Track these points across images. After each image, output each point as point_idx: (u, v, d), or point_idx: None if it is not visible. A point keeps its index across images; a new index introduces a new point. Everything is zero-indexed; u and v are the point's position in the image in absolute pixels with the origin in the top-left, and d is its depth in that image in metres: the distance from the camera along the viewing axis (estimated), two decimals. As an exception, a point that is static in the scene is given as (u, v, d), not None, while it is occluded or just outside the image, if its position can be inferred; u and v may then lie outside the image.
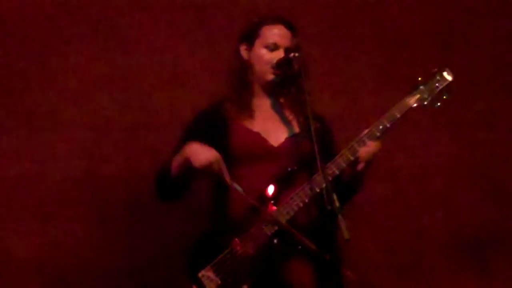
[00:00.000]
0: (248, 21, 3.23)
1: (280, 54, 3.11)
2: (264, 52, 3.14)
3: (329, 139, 3.17)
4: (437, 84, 3.08)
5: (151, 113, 4.15)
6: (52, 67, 4.10)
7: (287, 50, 3.10)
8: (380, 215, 4.30)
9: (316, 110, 3.05)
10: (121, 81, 4.13)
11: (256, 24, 3.18)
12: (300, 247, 2.96)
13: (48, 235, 4.02)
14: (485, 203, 4.39)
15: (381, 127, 3.01)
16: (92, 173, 4.09)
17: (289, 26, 3.16)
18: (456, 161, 4.39)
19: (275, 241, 2.98)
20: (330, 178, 2.90)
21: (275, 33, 3.13)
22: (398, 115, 3.03)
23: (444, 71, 3.10)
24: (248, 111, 3.15)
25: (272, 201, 2.99)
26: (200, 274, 2.98)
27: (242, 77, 3.19)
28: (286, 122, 3.15)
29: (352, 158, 2.98)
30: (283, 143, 3.10)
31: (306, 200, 2.97)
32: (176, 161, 3.04)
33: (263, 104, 3.18)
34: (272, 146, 3.09)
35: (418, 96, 3.08)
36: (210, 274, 2.98)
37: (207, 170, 2.95)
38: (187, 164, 2.98)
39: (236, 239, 2.98)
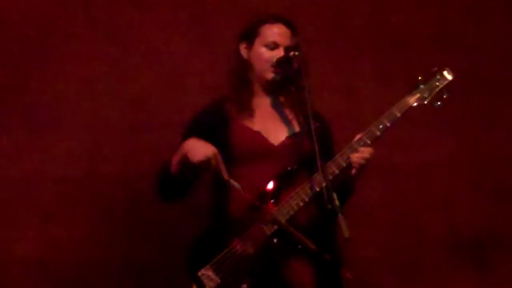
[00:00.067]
0: (248, 20, 3.23)
1: (279, 53, 3.11)
2: (263, 50, 3.14)
3: (328, 139, 3.17)
4: (437, 83, 3.09)
5: (151, 113, 4.15)
6: (52, 67, 4.10)
7: (287, 49, 3.10)
8: (379, 215, 4.30)
9: (316, 109, 3.05)
10: (121, 81, 4.13)
11: (256, 23, 3.18)
12: (300, 246, 2.96)
13: (48, 235, 4.02)
14: (485, 203, 4.39)
15: (381, 126, 3.02)
16: (92, 173, 4.08)
17: (289, 25, 3.16)
18: (456, 160, 4.39)
19: (275, 240, 2.98)
20: (330, 177, 2.90)
21: (275, 32, 3.14)
22: (398, 114, 3.03)
23: (444, 70, 3.10)
24: (248, 110, 3.15)
25: (272, 199, 2.99)
26: (199, 273, 2.98)
27: (242, 76, 3.19)
28: (286, 121, 3.15)
29: (347, 162, 2.99)
30: (283, 142, 3.10)
31: (306, 199, 2.97)
32: (175, 159, 3.04)
33: (263, 103, 3.19)
34: (272, 145, 3.09)
35: (418, 95, 3.08)
36: (210, 273, 2.97)
37: (204, 165, 2.95)
38: (185, 160, 2.98)
39: (236, 238, 2.98)
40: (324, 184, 2.84)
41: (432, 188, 4.38)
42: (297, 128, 3.12)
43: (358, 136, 3.03)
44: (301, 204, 2.97)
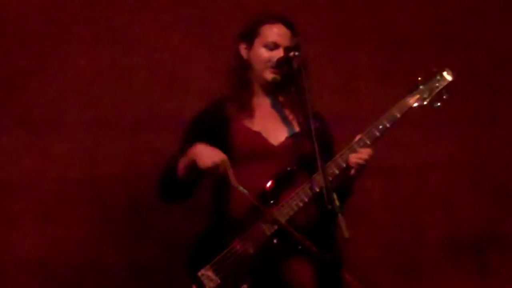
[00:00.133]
0: (248, 20, 3.23)
1: (279, 53, 3.11)
2: (263, 51, 3.13)
3: (328, 139, 3.17)
4: (437, 84, 3.08)
5: (151, 113, 4.15)
6: (52, 67, 4.10)
7: (287, 49, 3.09)
8: (379, 215, 4.30)
9: (316, 109, 3.05)
10: (121, 81, 4.13)
11: (256, 23, 3.18)
12: (300, 247, 2.96)
13: (48, 235, 4.02)
14: (485, 203, 4.39)
15: (381, 127, 3.02)
16: (92, 173, 4.08)
17: (289, 25, 3.16)
18: (456, 160, 4.39)
19: (275, 240, 2.98)
20: (330, 178, 2.90)
21: (275, 32, 3.13)
22: (398, 115, 3.03)
23: (444, 71, 3.10)
24: (248, 110, 3.15)
25: (271, 200, 2.99)
26: (199, 273, 2.98)
27: (242, 76, 3.19)
28: (286, 121, 3.15)
29: (346, 163, 2.99)
30: (283, 142, 3.10)
31: (306, 200, 2.97)
32: (182, 163, 3.04)
33: (263, 103, 3.18)
34: (272, 145, 3.09)
35: (418, 96, 3.08)
36: (210, 273, 2.97)
37: (213, 171, 2.95)
38: (193, 165, 2.98)
39: (236, 238, 2.98)
40: (324, 185, 2.84)
41: (432, 188, 4.38)
42: (297, 129, 3.12)
43: (358, 137, 3.03)
44: (301, 204, 2.97)
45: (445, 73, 3.09)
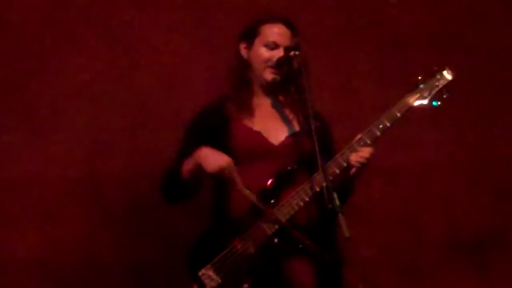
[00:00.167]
0: (248, 20, 3.23)
1: (279, 53, 3.11)
2: (263, 50, 3.13)
3: (328, 138, 3.17)
4: (437, 83, 3.08)
5: (151, 113, 4.15)
6: (52, 67, 4.10)
7: (287, 49, 3.09)
8: (379, 215, 4.30)
9: (316, 109, 3.04)
10: (121, 81, 4.13)
11: (256, 23, 3.18)
12: (300, 246, 2.96)
13: (48, 235, 4.01)
14: (485, 203, 4.40)
15: (381, 126, 3.02)
16: (92, 173, 4.08)
17: (289, 25, 3.16)
18: (456, 160, 4.40)
19: (276, 240, 2.98)
20: (330, 177, 2.90)
21: (275, 32, 3.13)
22: (398, 114, 3.03)
23: (444, 70, 3.10)
24: (248, 110, 3.15)
25: (272, 199, 2.99)
26: (200, 273, 2.98)
27: (242, 76, 3.19)
28: (286, 121, 3.15)
29: (347, 162, 2.99)
30: (283, 141, 3.10)
31: (307, 199, 2.97)
32: (187, 166, 3.03)
33: (263, 103, 3.18)
34: (272, 144, 3.09)
35: (418, 95, 3.08)
36: (211, 273, 2.97)
37: (219, 175, 2.95)
38: (199, 169, 2.98)
39: (237, 238, 2.98)
40: (324, 184, 2.84)
41: (432, 188, 4.38)
42: (297, 128, 3.12)
43: (358, 136, 3.03)
44: (302, 203, 2.97)
45: (445, 72, 3.09)
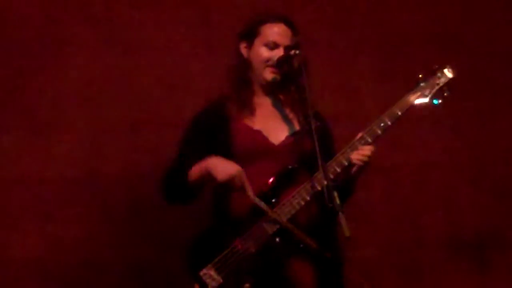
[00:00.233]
0: (248, 19, 3.23)
1: (279, 52, 3.11)
2: (263, 50, 3.13)
3: (328, 138, 3.17)
4: (438, 81, 3.09)
5: (151, 113, 4.14)
6: (52, 67, 4.09)
7: (287, 48, 3.09)
8: (379, 214, 4.30)
9: (316, 108, 3.04)
10: (121, 81, 4.13)
11: (256, 22, 3.17)
12: (301, 245, 2.96)
13: (48, 235, 4.01)
14: (485, 203, 4.40)
15: (382, 124, 3.02)
16: (92, 173, 4.08)
17: (289, 24, 3.16)
18: (456, 160, 4.40)
19: (277, 239, 2.98)
20: (331, 176, 2.90)
21: (275, 32, 3.13)
22: (399, 113, 3.04)
23: (445, 68, 3.10)
24: (248, 109, 3.15)
25: (273, 198, 2.99)
26: (201, 273, 2.98)
27: (242, 76, 3.19)
28: (287, 120, 3.15)
29: (348, 161, 2.99)
30: (284, 141, 3.10)
31: (308, 198, 2.97)
32: (196, 172, 3.02)
33: (263, 102, 3.18)
34: (273, 144, 3.09)
35: (419, 93, 3.08)
36: (212, 272, 2.97)
37: (229, 184, 2.95)
38: (207, 177, 2.98)
39: (238, 237, 2.98)
40: (325, 183, 2.84)
41: (432, 187, 4.38)
42: (297, 127, 3.12)
43: (359, 135, 3.03)
44: (302, 203, 2.97)
45: (445, 71, 3.10)
